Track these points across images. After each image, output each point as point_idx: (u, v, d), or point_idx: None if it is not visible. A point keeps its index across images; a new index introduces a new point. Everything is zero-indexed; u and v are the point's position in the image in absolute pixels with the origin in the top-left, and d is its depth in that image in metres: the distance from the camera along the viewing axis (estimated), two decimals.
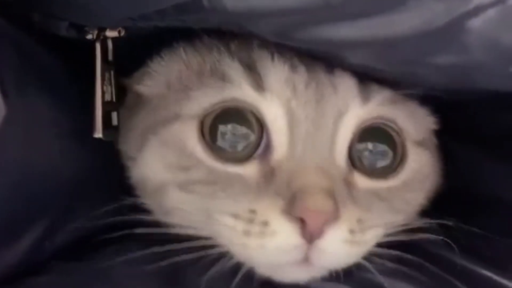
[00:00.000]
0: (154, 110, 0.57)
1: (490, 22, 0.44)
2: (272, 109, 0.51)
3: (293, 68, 0.52)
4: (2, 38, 0.46)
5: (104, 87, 0.55)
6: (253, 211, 0.49)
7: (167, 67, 0.58)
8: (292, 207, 0.47)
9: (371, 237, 0.51)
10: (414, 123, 0.57)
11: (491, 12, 0.44)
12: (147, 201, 0.57)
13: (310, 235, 0.47)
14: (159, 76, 0.59)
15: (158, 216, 0.56)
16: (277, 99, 0.51)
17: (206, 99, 0.53)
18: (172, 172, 0.54)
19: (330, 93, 0.52)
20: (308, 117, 0.51)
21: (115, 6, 0.48)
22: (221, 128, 0.53)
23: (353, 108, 0.52)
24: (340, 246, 0.49)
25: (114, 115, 0.57)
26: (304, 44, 0.50)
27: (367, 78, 0.53)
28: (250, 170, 0.51)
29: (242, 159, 0.52)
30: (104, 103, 0.55)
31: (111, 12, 0.49)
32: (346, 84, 0.52)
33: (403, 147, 0.56)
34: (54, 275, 0.52)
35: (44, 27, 0.52)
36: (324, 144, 0.51)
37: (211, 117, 0.53)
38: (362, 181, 0.53)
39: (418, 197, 0.58)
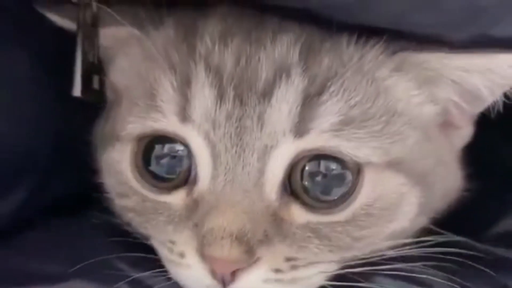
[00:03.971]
0: (111, 120, 0.57)
1: None
2: (196, 140, 0.48)
3: (220, 95, 0.48)
4: None
5: (86, 47, 0.55)
6: (172, 242, 0.49)
7: (128, 69, 0.57)
8: (203, 249, 0.46)
9: (310, 274, 0.49)
10: (384, 141, 0.50)
11: None
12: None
13: (222, 279, 0.46)
14: (123, 75, 0.58)
15: None
16: (198, 130, 0.48)
17: (138, 125, 0.51)
18: (116, 195, 0.55)
19: (253, 126, 0.47)
20: (227, 150, 0.47)
21: None
22: (156, 151, 0.51)
23: (284, 143, 0.47)
24: (262, 286, 0.47)
25: (96, 78, 0.57)
26: None
27: (316, 97, 0.48)
28: (177, 199, 0.50)
29: (172, 187, 0.51)
30: (86, 63, 0.55)
31: None
32: (278, 114, 0.47)
33: (358, 171, 0.49)
34: (43, 230, 0.55)
35: None
36: (247, 179, 0.47)
37: (145, 141, 0.52)
38: (300, 215, 0.48)
39: (379, 231, 0.51)
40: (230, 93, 0.48)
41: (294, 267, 0.47)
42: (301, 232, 0.48)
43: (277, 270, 0.47)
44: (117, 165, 0.53)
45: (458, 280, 0.52)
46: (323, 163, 0.49)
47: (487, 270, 0.53)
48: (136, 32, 0.55)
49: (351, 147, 0.48)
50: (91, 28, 0.55)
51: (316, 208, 0.49)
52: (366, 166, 0.49)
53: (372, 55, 0.51)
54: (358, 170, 0.49)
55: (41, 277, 0.50)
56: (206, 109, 0.48)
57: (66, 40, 0.55)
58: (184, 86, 0.49)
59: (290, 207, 0.49)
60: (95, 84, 0.57)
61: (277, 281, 0.47)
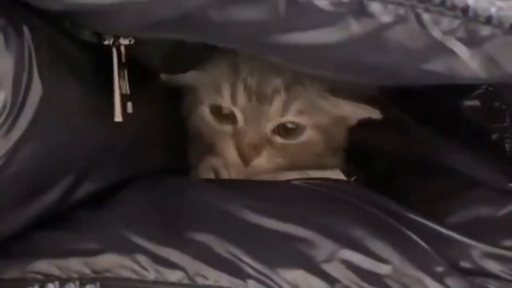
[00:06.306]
0: (193, 97, 1.02)
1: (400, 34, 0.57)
2: (238, 112, 0.96)
3: (251, 96, 0.95)
4: (39, 36, 0.59)
5: (120, 83, 0.70)
6: (224, 144, 0.97)
7: (202, 77, 0.99)
8: (239, 145, 0.95)
9: (282, 161, 0.97)
10: (316, 118, 0.98)
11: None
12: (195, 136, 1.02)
13: (245, 161, 0.95)
14: (196, 80, 1.01)
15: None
16: (240, 108, 0.96)
17: (211, 100, 0.99)
18: (199, 126, 1.01)
19: (264, 110, 0.95)
20: (252, 116, 0.96)
21: (122, 20, 0.62)
22: (221, 111, 0.98)
23: (275, 118, 0.96)
24: (264, 163, 0.96)
25: (129, 104, 0.72)
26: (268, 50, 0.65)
27: (290, 103, 0.95)
28: (229, 128, 0.97)
29: (227, 123, 0.98)
30: (121, 95, 0.70)
31: (119, 24, 0.63)
32: (275, 105, 0.95)
33: (303, 128, 0.98)
34: (75, 223, 0.69)
35: (72, 32, 0.67)
36: (258, 127, 0.95)
37: (215, 107, 0.99)
38: (278, 140, 0.97)
39: (310, 151, 0.99)
40: (254, 97, 0.95)
41: (276, 158, 0.96)
42: (279, 146, 0.96)
43: (269, 158, 0.95)
44: (202, 114, 1.00)
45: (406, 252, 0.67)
46: (290, 125, 0.96)
47: (439, 249, 0.67)
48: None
49: (301, 120, 0.96)
50: (123, 65, 0.70)
51: (285, 137, 0.97)
52: (307, 126, 0.97)
53: (318, 91, 0.97)
54: (303, 127, 0.97)
55: (77, 251, 0.64)
56: (243, 101, 0.95)
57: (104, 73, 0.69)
58: (234, 92, 0.95)
59: (275, 137, 0.96)
60: (129, 109, 0.71)
61: (270, 161, 0.96)
